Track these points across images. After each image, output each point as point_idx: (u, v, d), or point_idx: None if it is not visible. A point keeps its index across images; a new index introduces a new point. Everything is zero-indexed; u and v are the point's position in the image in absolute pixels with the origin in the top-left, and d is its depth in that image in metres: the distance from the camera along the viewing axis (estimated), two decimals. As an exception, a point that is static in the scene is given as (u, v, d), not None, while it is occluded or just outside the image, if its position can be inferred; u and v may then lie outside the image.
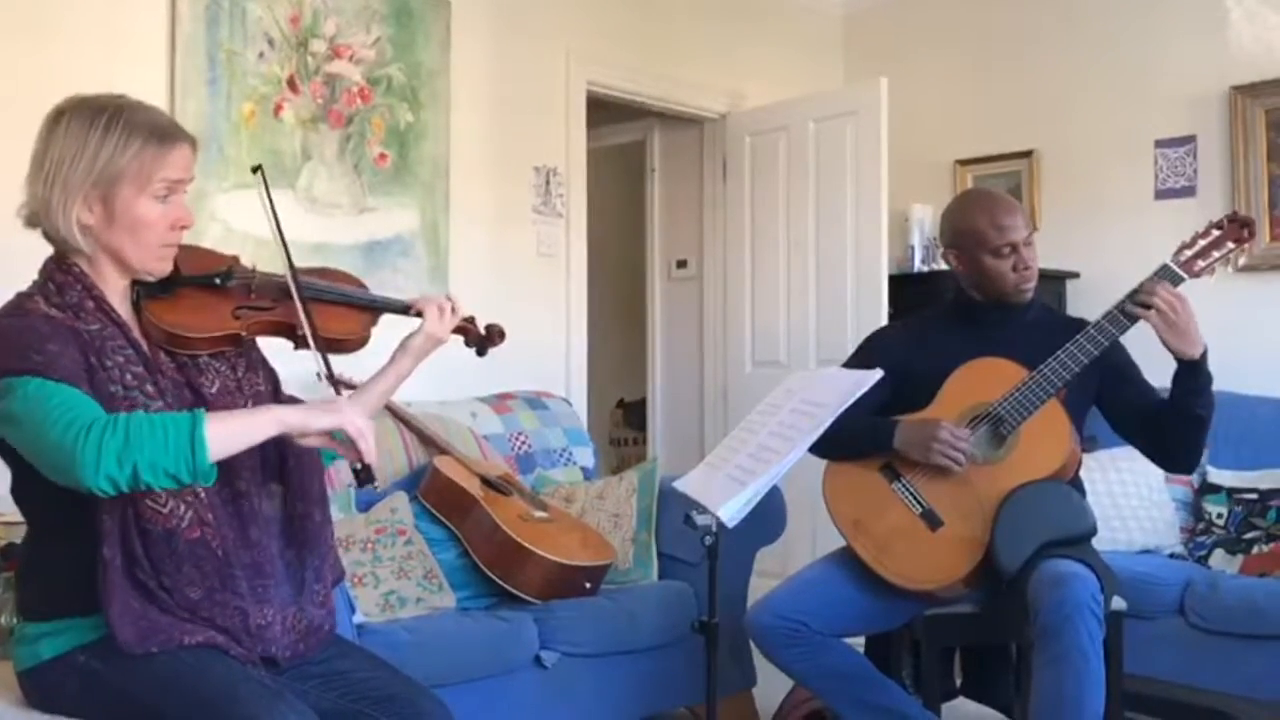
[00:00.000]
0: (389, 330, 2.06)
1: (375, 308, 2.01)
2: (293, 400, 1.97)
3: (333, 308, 1.95)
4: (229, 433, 1.62)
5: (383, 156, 3.87)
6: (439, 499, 3.16)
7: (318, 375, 3.38)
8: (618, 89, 4.71)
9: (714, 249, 5.20)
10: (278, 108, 3.62)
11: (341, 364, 1.95)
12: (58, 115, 1.76)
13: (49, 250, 1.81)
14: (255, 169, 1.93)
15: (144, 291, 1.81)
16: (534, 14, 4.36)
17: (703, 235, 5.25)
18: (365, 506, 3.11)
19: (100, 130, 1.72)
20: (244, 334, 1.85)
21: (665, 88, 4.84)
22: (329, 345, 1.92)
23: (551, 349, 4.42)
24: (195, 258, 1.89)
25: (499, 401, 3.81)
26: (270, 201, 1.88)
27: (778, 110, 4.93)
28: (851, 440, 2.59)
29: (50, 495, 1.66)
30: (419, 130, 3.96)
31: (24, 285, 1.79)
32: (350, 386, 3.21)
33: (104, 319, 1.74)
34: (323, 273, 2.03)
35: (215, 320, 1.82)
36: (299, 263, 1.92)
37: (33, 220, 1.77)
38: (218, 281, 1.85)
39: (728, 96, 5.07)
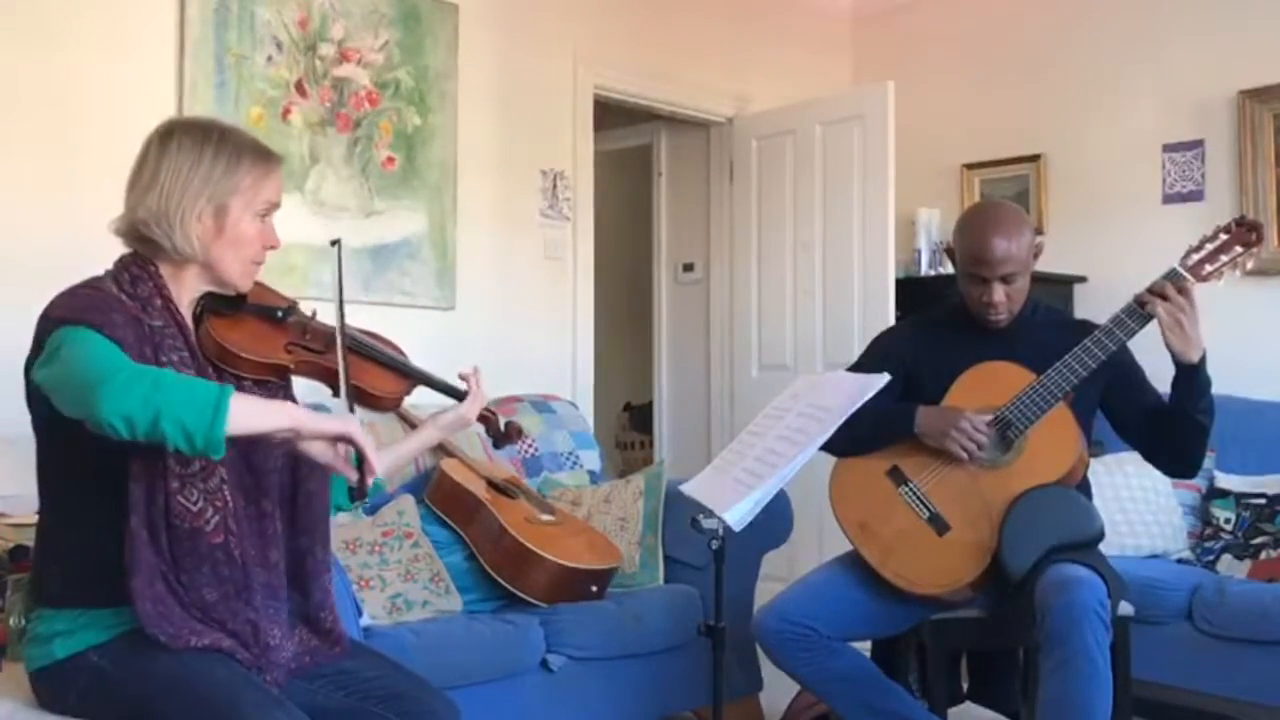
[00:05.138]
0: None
1: (417, 378, 2.06)
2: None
3: (375, 366, 2.01)
4: (247, 412, 1.64)
5: (390, 160, 3.88)
6: (446, 502, 3.17)
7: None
8: (625, 93, 4.71)
9: (721, 252, 5.20)
10: (286, 111, 3.63)
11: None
12: (167, 133, 1.82)
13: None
14: (334, 243, 2.04)
15: (209, 306, 1.87)
16: (541, 18, 4.36)
17: (709, 239, 5.25)
18: (372, 510, 3.12)
19: (213, 147, 1.80)
20: (291, 367, 1.91)
21: (672, 91, 4.85)
22: (365, 399, 1.98)
23: (558, 352, 4.42)
24: (259, 292, 1.95)
25: (505, 405, 3.81)
26: (340, 275, 1.96)
27: (785, 114, 4.93)
28: (870, 425, 2.56)
29: (80, 473, 1.71)
30: (426, 134, 3.97)
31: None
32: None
33: (169, 318, 1.79)
34: (373, 336, 2.10)
35: (268, 348, 1.89)
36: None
37: (134, 229, 1.79)
38: (279, 314, 1.93)
39: (734, 100, 5.07)
